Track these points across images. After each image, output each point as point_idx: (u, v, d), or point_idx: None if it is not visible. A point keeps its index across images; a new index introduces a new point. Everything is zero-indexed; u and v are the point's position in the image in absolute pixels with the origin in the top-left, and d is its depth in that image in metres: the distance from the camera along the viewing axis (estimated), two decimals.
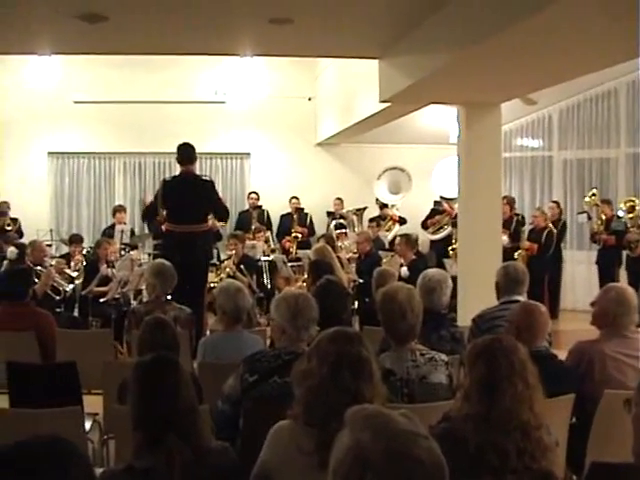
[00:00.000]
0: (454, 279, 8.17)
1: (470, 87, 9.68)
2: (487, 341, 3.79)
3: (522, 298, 6.86)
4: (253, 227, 16.17)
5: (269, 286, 13.29)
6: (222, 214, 11.14)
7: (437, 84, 9.55)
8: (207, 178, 11.09)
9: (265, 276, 13.21)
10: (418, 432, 2.13)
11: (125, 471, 3.26)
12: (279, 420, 3.66)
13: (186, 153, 10.56)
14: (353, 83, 14.36)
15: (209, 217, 10.95)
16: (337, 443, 2.18)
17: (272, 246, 15.94)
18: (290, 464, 3.44)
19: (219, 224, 14.41)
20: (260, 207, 17.31)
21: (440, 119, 15.96)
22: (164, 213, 10.62)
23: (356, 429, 2.15)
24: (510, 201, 14.49)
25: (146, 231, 16.58)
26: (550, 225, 14.55)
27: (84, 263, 12.36)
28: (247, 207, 17.54)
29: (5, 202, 16.74)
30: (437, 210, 15.58)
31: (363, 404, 3.07)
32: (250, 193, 17.66)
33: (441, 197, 15.55)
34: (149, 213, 11.18)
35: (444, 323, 6.58)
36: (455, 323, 7.10)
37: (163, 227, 10.73)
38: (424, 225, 15.52)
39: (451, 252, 13.88)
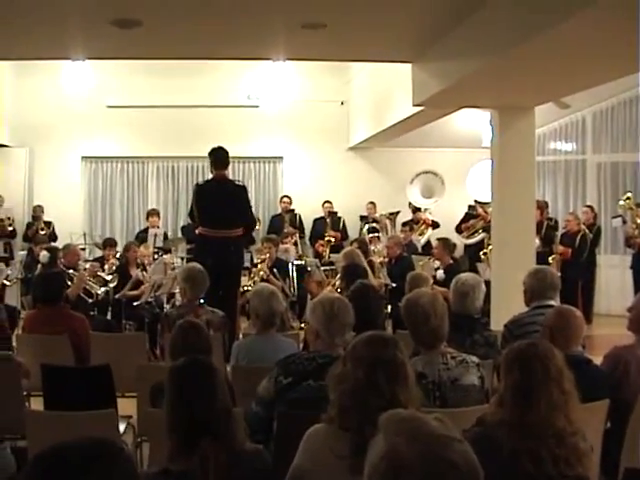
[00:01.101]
0: (487, 283, 8.14)
1: (504, 91, 9.64)
2: (523, 346, 3.77)
3: (555, 303, 6.82)
4: (285, 231, 16.20)
5: (301, 290, 13.30)
6: (249, 224, 11.04)
7: (471, 88, 9.52)
8: (240, 183, 11.07)
9: (296, 280, 13.20)
10: (452, 436, 2.12)
11: (160, 474, 3.27)
12: (312, 423, 3.65)
13: (220, 157, 10.55)
14: (386, 87, 14.34)
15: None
16: (372, 448, 2.18)
17: (299, 250, 15.93)
18: (324, 468, 3.43)
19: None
20: (292, 211, 17.31)
21: (473, 123, 15.91)
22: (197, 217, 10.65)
23: (390, 434, 2.14)
24: (541, 205, 14.38)
25: (179, 235, 16.66)
26: (584, 229, 14.44)
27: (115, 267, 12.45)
28: (279, 211, 17.53)
29: (39, 206, 16.89)
30: (471, 214, 15.49)
31: (398, 408, 3.07)
32: (282, 197, 17.68)
33: (475, 201, 15.47)
34: (192, 219, 11.15)
35: (477, 327, 6.54)
36: (488, 327, 7.07)
37: (197, 231, 10.74)
38: (458, 229, 15.43)
39: (483, 256, 13.81)
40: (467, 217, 15.59)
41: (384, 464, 2.08)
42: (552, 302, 6.80)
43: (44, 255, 11.47)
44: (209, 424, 3.35)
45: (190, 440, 3.33)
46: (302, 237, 16.88)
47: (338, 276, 10.87)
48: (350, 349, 3.68)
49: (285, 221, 16.87)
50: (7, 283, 12.47)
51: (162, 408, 3.56)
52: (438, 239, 13.16)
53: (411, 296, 5.34)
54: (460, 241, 15.29)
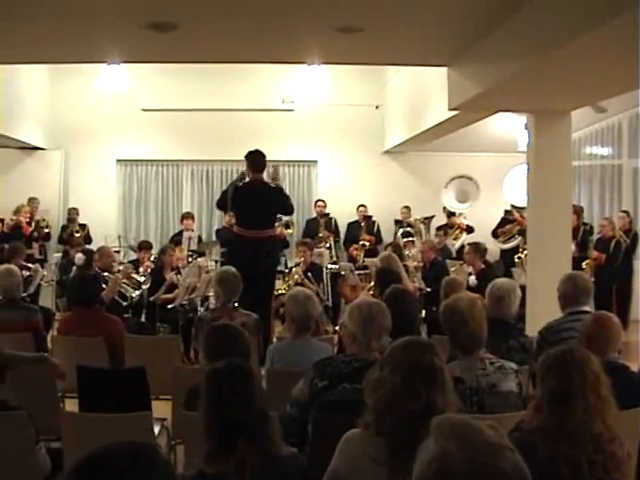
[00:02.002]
0: (522, 288, 8.10)
1: (541, 95, 9.58)
2: (559, 352, 3.75)
3: (589, 308, 6.78)
4: (320, 235, 16.20)
5: (334, 294, 13.26)
6: (287, 209, 11.05)
7: (507, 92, 9.47)
8: (276, 185, 11.08)
9: (330, 284, 13.16)
10: (504, 444, 2.11)
11: (196, 477, 3.28)
12: (348, 426, 3.64)
13: (256, 160, 10.58)
14: (421, 91, 14.32)
15: (276, 224, 10.98)
16: (422, 452, 2.17)
17: (333, 254, 15.92)
18: (360, 473, 3.42)
19: (287, 231, 14.49)
20: (327, 215, 17.29)
21: (508, 127, 15.84)
22: (232, 216, 10.66)
23: (441, 438, 2.13)
24: (577, 210, 14.27)
25: (213, 238, 16.70)
26: (620, 235, 14.33)
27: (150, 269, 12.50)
28: (314, 215, 17.52)
29: (74, 208, 16.99)
30: (507, 219, 15.42)
31: (435, 413, 3.06)
32: (317, 201, 17.67)
33: (512, 206, 15.40)
34: (221, 201, 11.13)
35: (513, 333, 6.51)
36: (524, 333, 7.03)
37: (234, 230, 10.75)
38: (495, 234, 15.37)
39: (517, 260, 13.73)
40: (503, 222, 15.52)
41: (433, 468, 2.07)
42: (586, 307, 6.77)
43: (79, 257, 11.54)
44: (246, 427, 3.36)
45: (226, 443, 3.34)
46: (337, 241, 16.84)
47: (373, 280, 10.86)
48: (387, 354, 3.67)
49: (320, 225, 16.83)
50: (43, 284, 12.55)
51: (198, 411, 3.56)
52: (469, 244, 13.10)
53: (450, 301, 5.32)
54: (496, 246, 15.24)
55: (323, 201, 17.51)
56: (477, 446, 2.08)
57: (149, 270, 12.41)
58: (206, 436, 3.41)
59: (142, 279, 11.68)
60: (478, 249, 12.22)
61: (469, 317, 4.97)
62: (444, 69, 10.87)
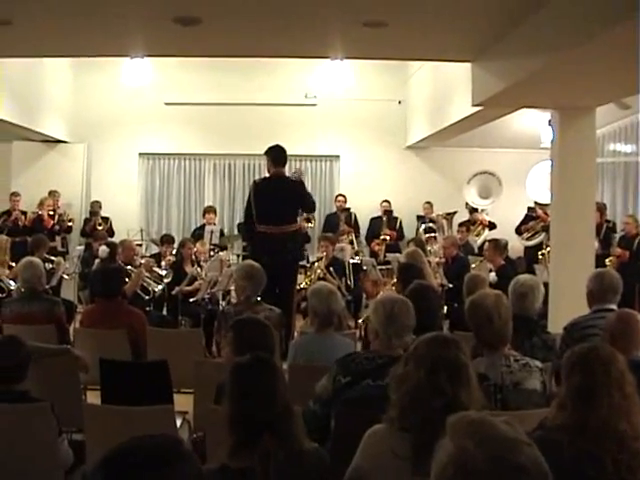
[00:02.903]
0: (544, 285, 8.06)
1: (565, 91, 9.53)
2: (584, 350, 3.73)
3: (615, 307, 6.74)
4: (340, 229, 16.18)
5: (356, 289, 13.25)
6: (308, 206, 11.08)
7: (532, 88, 9.41)
8: (297, 179, 11.07)
9: (351, 279, 13.15)
10: (521, 439, 2.10)
11: (219, 471, 3.27)
12: (370, 422, 3.64)
13: (277, 155, 10.58)
14: (444, 86, 14.27)
15: (298, 218, 10.96)
16: (439, 450, 2.16)
17: (356, 248, 15.91)
18: (384, 469, 3.41)
19: (308, 225, 14.47)
20: (348, 209, 17.27)
21: (531, 123, 15.79)
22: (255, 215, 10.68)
23: (458, 436, 2.12)
24: (600, 207, 14.18)
25: (235, 232, 16.71)
26: None
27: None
28: (334, 209, 17.50)
29: (97, 201, 17.04)
30: (531, 216, 15.33)
31: (459, 409, 3.05)
32: (337, 196, 17.63)
33: (535, 202, 15.32)
34: (246, 218, 11.10)
35: (536, 330, 6.48)
36: (547, 330, 7.00)
37: (256, 227, 10.76)
38: (518, 231, 15.31)
39: (540, 257, 13.68)
40: (527, 218, 15.43)
41: (452, 467, 2.06)
42: (612, 306, 6.72)
43: (103, 250, 11.55)
44: (270, 422, 3.36)
45: (250, 437, 3.34)
46: (357, 236, 16.81)
47: (394, 276, 10.84)
48: (412, 350, 3.66)
49: (340, 220, 16.81)
50: (66, 277, 12.59)
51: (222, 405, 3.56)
52: (489, 240, 13.08)
53: (476, 297, 5.29)
54: (520, 243, 15.19)
55: (343, 196, 17.48)
56: (494, 442, 2.08)
57: (170, 264, 12.46)
58: (230, 430, 3.40)
59: (164, 273, 11.70)
60: (498, 245, 12.19)
61: (495, 314, 4.95)
62: (468, 64, 10.83)
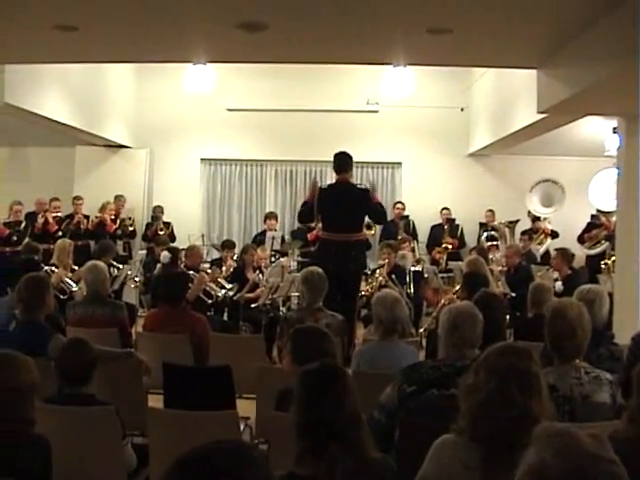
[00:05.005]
0: (608, 295, 7.94)
1: (633, 98, 9.40)
2: None
3: None
4: (399, 237, 16.10)
5: (417, 297, 13.16)
6: (378, 216, 11.03)
7: (599, 95, 9.30)
8: (363, 187, 11.02)
9: (412, 287, 13.06)
10: (605, 456, 2.06)
11: (287, 478, 3.25)
12: (435, 432, 3.59)
13: (342, 161, 10.54)
14: (508, 93, 14.16)
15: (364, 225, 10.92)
16: (524, 459, 2.12)
17: (417, 256, 15.82)
18: (452, 479, 3.36)
19: (369, 232, 14.41)
20: (406, 217, 17.20)
21: (595, 130, 15.62)
22: (319, 221, 10.66)
23: (541, 447, 2.08)
24: None
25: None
26: None
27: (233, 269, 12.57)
28: (392, 217, 17.36)
29: (159, 206, 17.18)
30: (594, 224, 15.15)
31: (530, 421, 3.00)
32: (396, 203, 17.57)
33: (598, 210, 15.14)
34: (304, 214, 11.09)
35: (603, 340, 6.37)
36: (613, 341, 6.88)
37: (319, 234, 10.72)
38: (581, 239, 15.13)
39: (603, 267, 13.50)
40: (590, 227, 15.24)
41: (529, 476, 2.02)
42: None
43: (165, 255, 11.61)
44: (338, 430, 3.32)
45: (318, 445, 3.31)
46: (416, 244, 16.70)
47: (456, 284, 10.76)
48: (483, 359, 3.59)
49: (399, 227, 16.74)
50: (127, 281, 12.65)
51: (289, 412, 3.53)
52: (557, 249, 12.95)
53: (559, 307, 5.11)
54: (582, 251, 15.01)
55: (402, 203, 17.45)
56: (574, 458, 2.04)
57: (231, 269, 12.48)
58: (297, 437, 3.38)
59: (229, 286, 11.69)
60: (566, 254, 12.08)
61: (578, 327, 4.80)
62: (532, 71, 10.74)
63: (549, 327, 4.97)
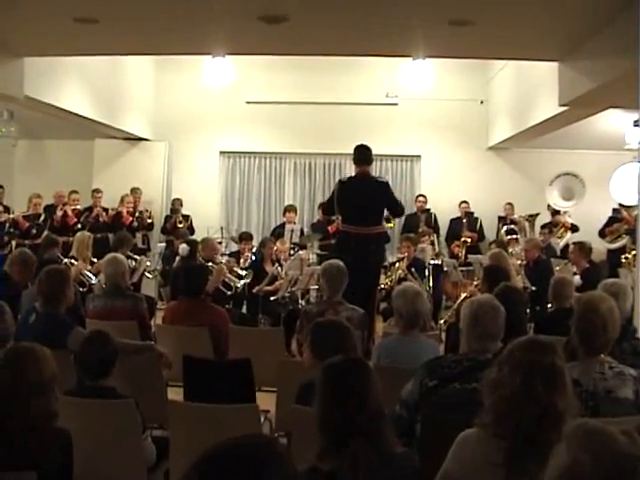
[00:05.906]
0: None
1: None
2: None
3: None
4: (420, 230, 16.05)
5: (436, 290, 13.12)
6: (396, 210, 11.00)
7: (622, 88, 9.20)
8: (383, 180, 10.98)
9: (431, 280, 13.02)
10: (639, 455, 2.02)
11: (309, 472, 3.23)
12: (457, 427, 3.57)
13: (362, 154, 10.49)
14: (529, 86, 14.09)
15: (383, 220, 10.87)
16: (554, 458, 2.09)
17: (437, 250, 15.78)
18: (476, 474, 3.33)
19: (388, 225, 14.37)
20: (428, 210, 17.15)
21: (615, 123, 15.51)
22: (338, 214, 10.63)
23: (575, 447, 2.05)
24: None
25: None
26: None
27: (250, 260, 12.58)
28: (415, 210, 17.36)
29: (178, 199, 17.18)
30: (616, 218, 15.04)
31: (554, 416, 2.96)
32: (418, 196, 17.55)
33: (619, 204, 15.04)
34: (328, 207, 11.08)
35: (626, 335, 6.32)
36: (637, 335, 6.82)
37: (340, 227, 10.69)
38: (602, 234, 15.03)
39: (624, 261, 13.41)
40: (611, 221, 15.13)
41: (564, 478, 1.99)
42: None
43: (184, 248, 11.61)
44: (361, 424, 3.30)
45: (341, 439, 3.29)
46: (437, 237, 16.65)
47: (476, 277, 10.71)
48: (506, 354, 3.55)
49: (420, 220, 16.70)
50: (149, 276, 12.66)
51: (311, 406, 3.51)
52: (574, 243, 12.87)
53: (591, 300, 4.98)
54: (603, 245, 14.91)
55: (424, 196, 17.40)
56: (612, 459, 2.01)
57: (249, 261, 12.48)
58: (320, 432, 3.36)
59: (244, 273, 11.70)
60: (583, 248, 11.99)
61: (609, 321, 4.71)
62: (553, 64, 10.68)
63: (580, 320, 4.85)
